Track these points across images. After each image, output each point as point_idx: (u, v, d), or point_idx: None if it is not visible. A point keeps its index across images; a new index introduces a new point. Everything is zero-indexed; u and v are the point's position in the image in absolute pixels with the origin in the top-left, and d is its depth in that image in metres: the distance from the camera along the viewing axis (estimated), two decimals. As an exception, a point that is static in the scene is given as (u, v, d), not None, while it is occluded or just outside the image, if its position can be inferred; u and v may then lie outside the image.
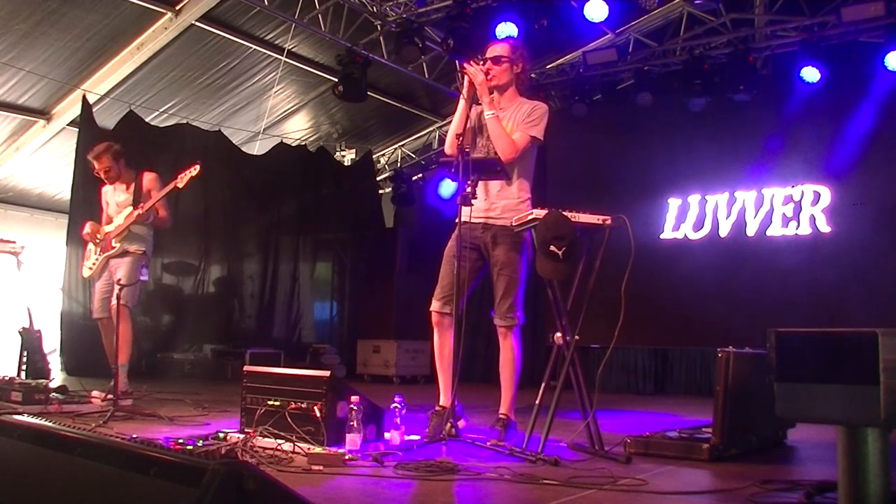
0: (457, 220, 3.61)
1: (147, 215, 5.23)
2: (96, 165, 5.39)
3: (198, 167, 5.10)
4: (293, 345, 9.50)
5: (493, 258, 3.84)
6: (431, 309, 3.86)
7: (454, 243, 3.68)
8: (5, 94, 8.01)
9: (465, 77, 3.80)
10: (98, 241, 5.38)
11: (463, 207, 3.57)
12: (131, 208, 5.26)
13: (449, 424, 3.35)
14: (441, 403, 3.81)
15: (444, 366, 3.82)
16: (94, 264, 5.38)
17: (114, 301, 5.09)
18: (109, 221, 5.45)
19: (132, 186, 5.35)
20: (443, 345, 3.84)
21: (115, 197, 5.44)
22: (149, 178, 5.35)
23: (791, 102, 7.59)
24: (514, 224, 3.67)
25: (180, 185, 5.12)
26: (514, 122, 3.86)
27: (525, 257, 3.81)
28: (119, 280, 4.98)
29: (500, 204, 3.86)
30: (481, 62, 3.85)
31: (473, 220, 3.69)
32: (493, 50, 3.95)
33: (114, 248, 5.27)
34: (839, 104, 7.37)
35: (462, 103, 3.82)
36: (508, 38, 4.12)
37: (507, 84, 3.94)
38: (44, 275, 8.18)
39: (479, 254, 3.89)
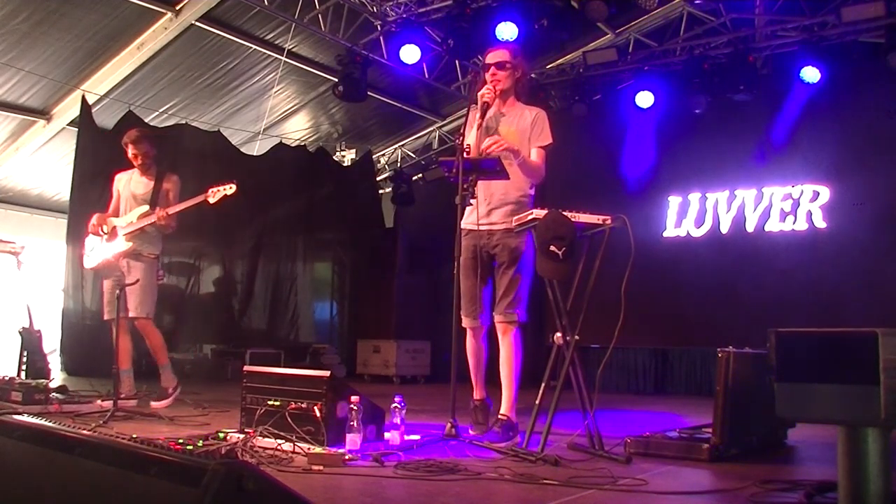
0: (459, 222, 3.67)
1: (172, 223, 5.15)
2: (132, 149, 5.28)
3: (234, 186, 4.96)
4: (293, 345, 9.49)
5: (499, 260, 3.91)
6: (464, 325, 3.97)
7: (468, 255, 3.87)
8: (5, 94, 8.00)
9: (480, 100, 3.84)
10: (104, 232, 5.27)
11: (467, 216, 3.79)
12: (148, 206, 5.19)
13: (449, 424, 3.36)
14: (475, 397, 4.02)
15: (474, 364, 4.04)
16: (94, 252, 5.29)
17: (113, 305, 5.08)
18: (116, 212, 5.34)
19: (153, 182, 5.27)
20: (476, 348, 4.02)
21: (132, 187, 5.31)
22: (171, 180, 5.29)
23: (791, 102, 7.59)
24: (514, 224, 3.69)
25: (211, 201, 5.00)
26: (518, 129, 3.91)
27: (529, 258, 3.83)
28: (137, 281, 5.00)
29: (502, 208, 3.91)
30: (485, 69, 3.94)
31: (480, 228, 3.86)
32: (495, 56, 3.98)
33: (125, 243, 5.18)
34: (839, 104, 7.37)
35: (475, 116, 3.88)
36: (507, 42, 4.17)
37: (510, 90, 4.00)
38: (43, 275, 8.17)
39: (490, 260, 3.98)
